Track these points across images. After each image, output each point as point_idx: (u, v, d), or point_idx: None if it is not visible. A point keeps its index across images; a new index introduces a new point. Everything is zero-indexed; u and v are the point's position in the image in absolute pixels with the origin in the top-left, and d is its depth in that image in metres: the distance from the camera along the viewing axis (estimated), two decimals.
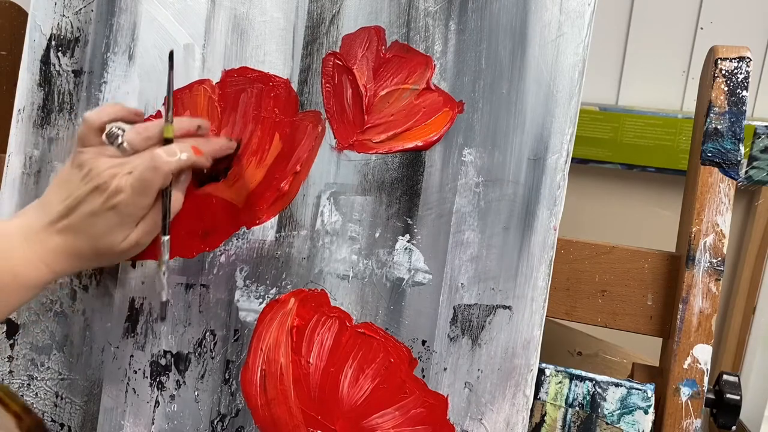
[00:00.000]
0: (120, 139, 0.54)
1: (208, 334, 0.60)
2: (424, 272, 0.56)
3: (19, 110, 0.64)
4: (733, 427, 0.55)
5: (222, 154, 0.58)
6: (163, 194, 0.54)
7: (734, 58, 0.55)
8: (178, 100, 0.61)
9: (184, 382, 0.60)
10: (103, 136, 0.54)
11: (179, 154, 0.53)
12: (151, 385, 0.61)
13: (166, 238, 0.56)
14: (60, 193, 0.53)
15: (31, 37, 0.64)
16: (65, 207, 0.52)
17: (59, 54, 0.63)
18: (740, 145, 0.55)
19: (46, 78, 0.64)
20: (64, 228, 0.52)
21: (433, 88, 0.56)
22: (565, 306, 0.60)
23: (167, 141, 0.55)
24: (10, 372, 0.64)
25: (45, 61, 0.64)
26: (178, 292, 0.60)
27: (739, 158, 0.54)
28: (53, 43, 0.64)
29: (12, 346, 0.64)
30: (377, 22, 0.57)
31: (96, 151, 0.54)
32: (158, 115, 0.61)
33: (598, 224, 1.17)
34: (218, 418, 0.59)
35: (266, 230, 0.59)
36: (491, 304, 0.54)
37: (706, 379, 0.53)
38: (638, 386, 0.54)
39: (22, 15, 0.82)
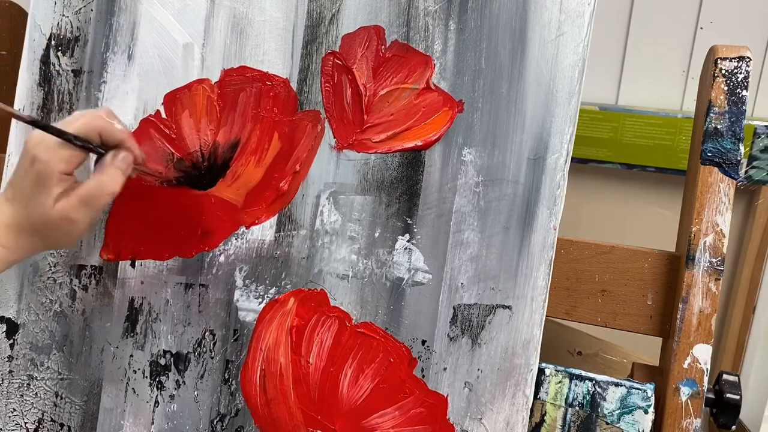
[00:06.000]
0: None
1: (207, 333, 0.60)
2: (424, 272, 0.56)
3: (19, 110, 0.64)
4: (733, 427, 0.55)
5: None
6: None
7: (734, 58, 0.55)
8: (177, 99, 0.61)
9: (183, 381, 0.60)
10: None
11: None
12: (150, 384, 0.61)
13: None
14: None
15: (31, 36, 0.64)
16: (11, 175, 0.51)
17: (59, 54, 0.63)
18: (740, 144, 0.54)
19: (45, 78, 0.64)
20: (6, 196, 0.51)
21: (432, 87, 0.56)
22: (565, 306, 0.60)
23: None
24: (10, 372, 0.64)
25: (45, 60, 0.64)
26: (177, 292, 0.60)
27: (738, 158, 0.54)
28: (53, 42, 0.64)
29: (12, 345, 0.64)
30: (377, 21, 0.57)
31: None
32: (157, 114, 0.61)
33: (598, 224, 1.17)
34: (218, 418, 0.59)
35: (265, 230, 0.59)
36: (491, 304, 0.54)
37: (705, 379, 0.53)
38: (638, 386, 0.54)
39: (22, 15, 0.82)
